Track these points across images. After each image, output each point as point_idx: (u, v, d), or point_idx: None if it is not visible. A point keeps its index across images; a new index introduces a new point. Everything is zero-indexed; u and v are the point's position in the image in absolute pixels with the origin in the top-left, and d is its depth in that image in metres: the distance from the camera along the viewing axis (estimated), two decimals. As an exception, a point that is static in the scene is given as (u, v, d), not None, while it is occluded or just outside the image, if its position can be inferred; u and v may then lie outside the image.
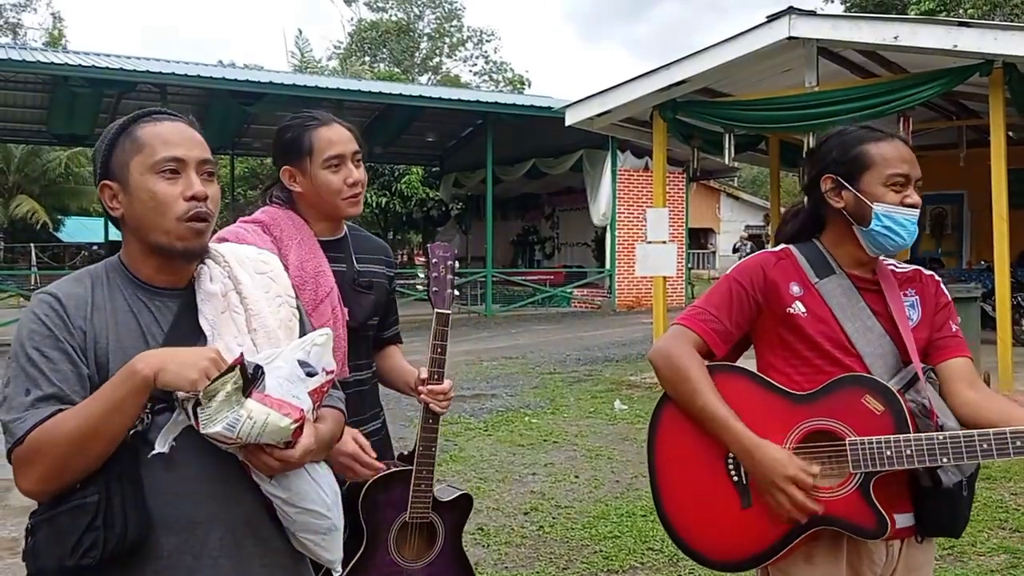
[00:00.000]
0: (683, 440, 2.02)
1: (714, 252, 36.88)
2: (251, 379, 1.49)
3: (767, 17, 8.68)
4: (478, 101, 19.56)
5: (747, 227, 37.17)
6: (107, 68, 15.42)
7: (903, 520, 1.93)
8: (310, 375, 1.58)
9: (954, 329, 2.04)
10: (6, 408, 1.50)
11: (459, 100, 18.97)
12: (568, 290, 20.38)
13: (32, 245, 30.71)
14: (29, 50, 19.15)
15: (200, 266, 1.68)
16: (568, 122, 10.78)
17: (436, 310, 2.32)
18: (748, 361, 2.11)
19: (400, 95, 18.38)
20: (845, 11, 28.06)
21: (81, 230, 35.04)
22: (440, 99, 18.63)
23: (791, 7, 8.46)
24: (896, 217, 1.94)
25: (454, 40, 49.18)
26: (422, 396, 2.31)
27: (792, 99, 9.01)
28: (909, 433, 1.83)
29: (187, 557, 1.55)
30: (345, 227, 2.43)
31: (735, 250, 27.53)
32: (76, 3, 68.73)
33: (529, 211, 24.37)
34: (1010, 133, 10.48)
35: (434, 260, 2.34)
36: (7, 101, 18.27)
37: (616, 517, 5.01)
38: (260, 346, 1.61)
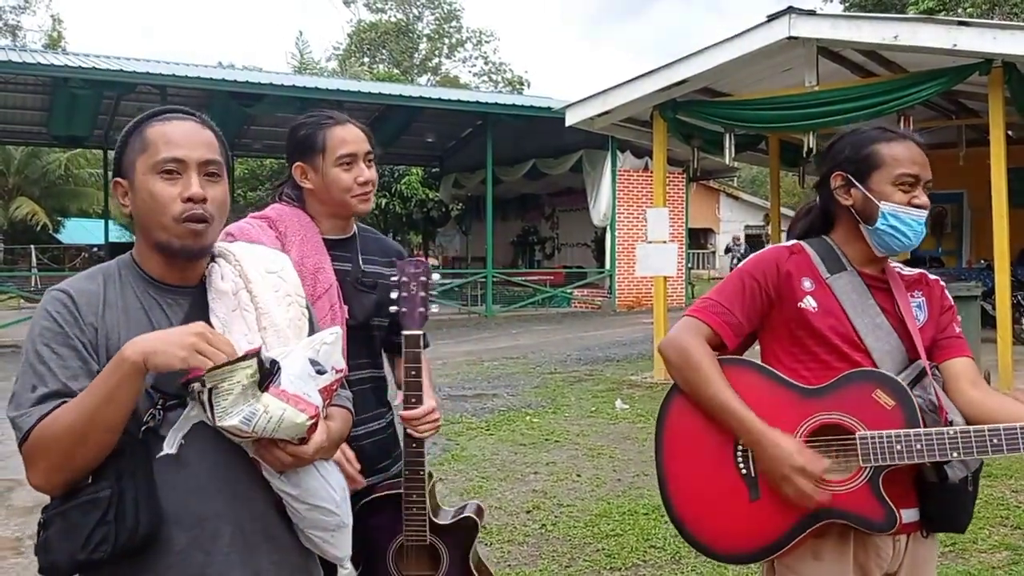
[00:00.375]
0: (691, 432, 2.03)
1: (714, 252, 36.88)
2: (268, 373, 1.50)
3: (767, 17, 8.69)
4: (477, 102, 19.60)
5: (747, 227, 37.22)
6: (107, 70, 15.45)
7: (909, 515, 1.94)
8: (320, 373, 1.59)
9: (957, 331, 2.07)
10: (14, 405, 1.51)
11: (458, 101, 19.00)
12: (568, 290, 20.41)
13: (32, 247, 30.74)
14: (29, 52, 19.17)
15: (211, 264, 1.69)
16: (568, 122, 10.80)
17: (404, 332, 2.21)
18: (751, 355, 2.13)
19: (400, 96, 18.41)
20: (845, 10, 28.10)
21: (81, 232, 35.07)
22: (439, 100, 18.66)
23: (791, 7, 8.47)
24: (903, 217, 1.96)
25: (453, 41, 49.24)
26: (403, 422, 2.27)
27: (792, 99, 9.03)
28: (919, 428, 1.84)
29: (198, 553, 1.56)
30: (355, 227, 2.44)
31: (727, 251, 27.52)
32: (75, 5, 68.82)
33: (529, 211, 24.40)
34: (1009, 132, 10.50)
35: (404, 278, 2.21)
36: (7, 103, 18.29)
37: (618, 515, 5.02)
38: (270, 344, 1.61)
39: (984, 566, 4.15)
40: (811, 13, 8.58)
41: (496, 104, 19.58)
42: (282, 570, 1.67)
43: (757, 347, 2.18)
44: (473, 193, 23.68)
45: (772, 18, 8.63)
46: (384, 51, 46.91)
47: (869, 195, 1.98)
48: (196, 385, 1.48)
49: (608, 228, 19.55)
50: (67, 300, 1.58)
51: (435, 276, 2.26)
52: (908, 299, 2.02)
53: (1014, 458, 5.85)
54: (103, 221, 25.83)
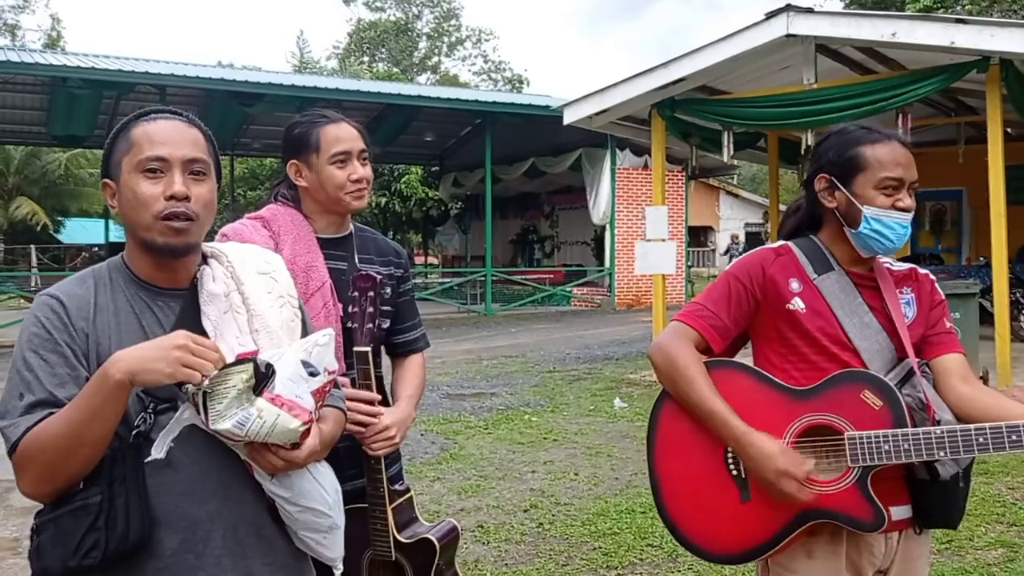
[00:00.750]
0: (682, 434, 2.04)
1: (714, 250, 36.88)
2: (263, 377, 1.50)
3: (765, 14, 8.69)
4: (477, 100, 19.59)
5: (746, 225, 37.21)
6: (106, 69, 15.45)
7: (900, 512, 1.95)
8: (312, 375, 1.59)
9: (948, 326, 2.06)
10: (2, 413, 1.51)
11: (458, 99, 19.00)
12: (568, 289, 20.41)
13: (32, 247, 30.75)
14: (28, 52, 19.17)
15: (203, 266, 1.68)
16: (566, 121, 10.80)
17: (354, 348, 2.17)
18: (745, 357, 2.13)
19: (399, 95, 18.41)
20: (844, 7, 28.09)
21: (81, 231, 35.09)
22: (439, 99, 18.66)
23: (789, 4, 8.46)
24: (885, 220, 1.95)
25: (452, 39, 49.25)
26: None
27: (790, 96, 9.03)
28: (907, 428, 1.85)
29: (189, 556, 1.56)
30: (351, 226, 2.44)
31: (726, 252, 27.45)
32: (74, 5, 68.82)
33: (528, 210, 24.41)
34: (1008, 129, 10.50)
35: (355, 292, 2.18)
36: (6, 103, 18.30)
37: (616, 514, 5.03)
38: (262, 346, 1.61)
39: (980, 563, 4.15)
40: (809, 11, 8.57)
41: (495, 103, 19.57)
42: (275, 572, 1.67)
43: (750, 348, 2.18)
44: (472, 192, 23.69)
45: (770, 16, 8.63)
46: (384, 50, 46.91)
47: (852, 199, 1.98)
48: (190, 387, 1.48)
49: (608, 226, 19.55)
50: (57, 305, 1.57)
51: (387, 290, 2.23)
52: (897, 296, 2.02)
53: (1010, 455, 5.86)
54: (103, 221, 25.85)
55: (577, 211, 21.34)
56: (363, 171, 2.33)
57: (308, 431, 1.56)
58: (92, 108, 17.71)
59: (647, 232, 10.32)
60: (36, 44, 37.69)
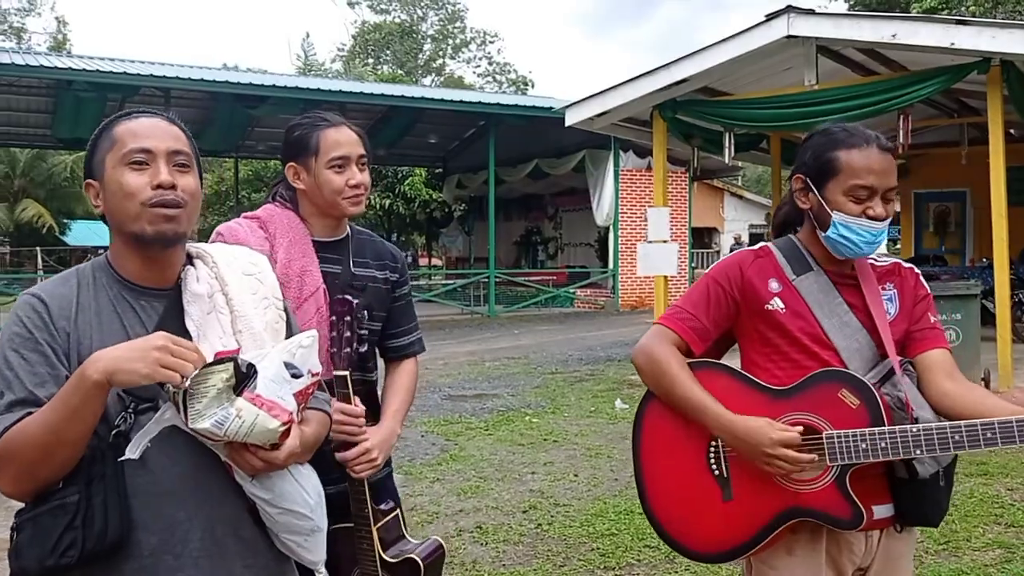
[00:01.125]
0: (666, 435, 2.06)
1: (718, 251, 36.84)
2: (244, 377, 1.50)
3: (766, 16, 8.70)
4: (480, 102, 19.62)
5: (751, 226, 37.15)
6: (111, 72, 15.51)
7: (882, 511, 1.96)
8: (295, 377, 1.59)
9: (932, 321, 2.06)
10: None
11: (461, 102, 19.02)
12: (571, 290, 20.41)
13: (38, 249, 30.88)
14: (33, 54, 19.26)
15: (187, 267, 1.69)
16: (568, 122, 10.81)
17: (333, 372, 2.17)
18: (733, 359, 2.14)
19: (402, 97, 18.43)
20: (849, 9, 28.07)
21: (87, 233, 35.22)
22: (442, 100, 18.68)
23: (789, 5, 8.47)
24: (853, 227, 1.94)
25: (457, 42, 49.29)
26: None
27: (792, 97, 9.04)
28: (884, 426, 1.86)
29: (167, 557, 1.56)
30: (348, 229, 2.44)
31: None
32: (80, 8, 69.04)
33: (532, 212, 24.43)
34: (1011, 130, 10.50)
35: (333, 317, 2.19)
36: (12, 105, 18.37)
37: (614, 515, 5.04)
38: (246, 348, 1.62)
39: (976, 564, 4.15)
40: (810, 12, 8.58)
41: (498, 105, 19.60)
42: (256, 574, 1.67)
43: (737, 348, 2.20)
44: (476, 193, 23.71)
45: (771, 17, 8.64)
46: (388, 52, 46.98)
47: (823, 202, 1.98)
48: (171, 386, 1.48)
49: (611, 228, 19.56)
50: (38, 304, 1.58)
51: (364, 314, 2.24)
52: (879, 293, 2.03)
53: (1011, 456, 5.85)
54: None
55: (581, 213, 21.34)
56: (361, 177, 2.33)
57: (288, 432, 1.56)
58: (97, 111, 17.74)
59: (649, 233, 10.34)
60: (42, 47, 37.85)
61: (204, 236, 2.35)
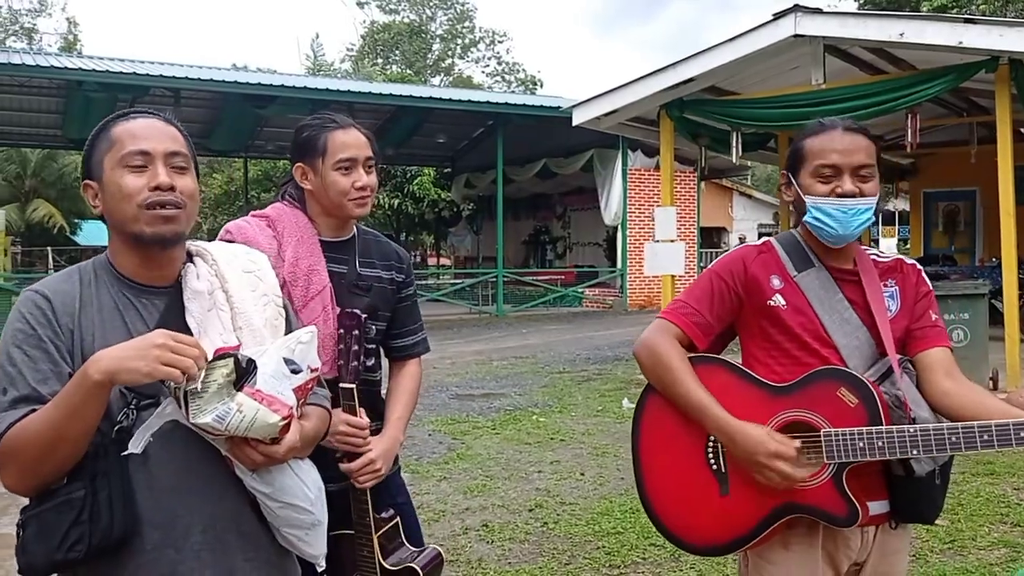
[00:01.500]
0: (665, 430, 2.08)
1: (727, 251, 36.78)
2: (244, 372, 1.52)
3: (773, 15, 8.68)
4: (488, 102, 19.64)
5: (760, 225, 37.05)
6: (121, 73, 15.61)
7: (877, 507, 1.98)
8: (295, 372, 1.61)
9: (934, 319, 2.07)
10: None
11: (469, 101, 19.04)
12: (579, 290, 20.41)
13: (49, 249, 31.03)
14: (44, 55, 19.38)
15: (187, 264, 1.71)
16: (575, 122, 10.82)
17: (340, 384, 2.19)
18: (734, 353, 2.16)
19: (411, 97, 18.47)
20: (859, 7, 27.98)
21: (98, 233, 35.33)
22: (450, 100, 18.71)
23: (796, 4, 8.46)
24: (824, 208, 1.98)
25: (466, 41, 49.29)
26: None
27: (799, 96, 9.03)
28: (882, 425, 1.87)
29: (169, 551, 1.58)
30: (355, 229, 2.46)
31: None
32: (90, 8, 69.38)
33: (540, 211, 24.44)
34: (1021, 129, 10.45)
35: (341, 330, 2.22)
36: (23, 106, 18.49)
37: (620, 513, 5.05)
38: (245, 344, 1.64)
39: (982, 563, 4.15)
40: (817, 11, 8.56)
41: (506, 104, 19.62)
42: (257, 568, 1.68)
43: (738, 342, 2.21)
44: (484, 193, 23.74)
45: (778, 16, 8.62)
46: (397, 52, 47.03)
47: (799, 190, 2.03)
48: (172, 383, 1.50)
49: (619, 227, 19.56)
50: (42, 301, 1.60)
51: (371, 328, 2.26)
52: (880, 291, 2.04)
53: (1018, 456, 5.84)
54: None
55: (589, 212, 21.34)
56: (367, 179, 2.34)
57: (288, 426, 1.58)
58: (107, 111, 17.58)
59: (656, 233, 10.34)
60: (53, 47, 38.04)
61: (212, 236, 2.37)
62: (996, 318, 8.85)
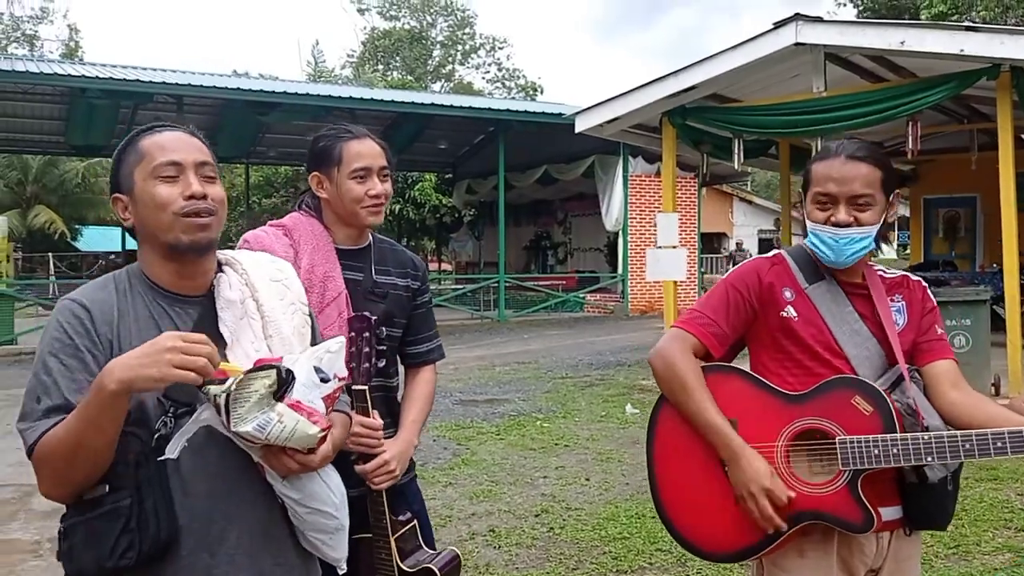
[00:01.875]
0: (681, 436, 2.11)
1: (728, 256, 36.85)
2: (284, 383, 1.55)
3: (774, 23, 8.73)
4: (490, 109, 19.71)
5: (760, 231, 37.10)
6: (124, 80, 15.65)
7: (891, 513, 2.01)
8: (324, 381, 1.64)
9: (939, 332, 2.12)
10: (21, 416, 1.57)
11: (471, 108, 19.14)
12: (581, 295, 20.45)
13: (50, 255, 31.06)
14: (47, 62, 19.44)
15: (219, 274, 1.75)
16: (578, 129, 10.87)
17: (352, 387, 2.19)
18: (742, 360, 2.20)
19: (412, 103, 18.54)
20: (858, 14, 28.10)
21: (98, 239, 35.42)
22: (452, 107, 18.82)
23: (797, 13, 8.52)
24: (820, 234, 2.04)
25: (467, 48, 49.39)
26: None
27: (800, 104, 9.08)
28: (896, 433, 1.91)
29: (204, 555, 1.62)
30: (370, 237, 2.51)
31: (731, 260, 27.23)
32: (91, 15, 69.52)
33: (542, 217, 24.49)
34: (1022, 135, 10.49)
35: (352, 333, 2.23)
36: (27, 113, 18.55)
37: (626, 519, 5.09)
38: (275, 352, 1.68)
39: (986, 568, 4.18)
40: (817, 20, 8.62)
41: (508, 111, 19.68)
42: (286, 571, 1.73)
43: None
44: (486, 199, 23.81)
45: (779, 25, 8.68)
46: (398, 58, 47.14)
47: (805, 212, 2.09)
48: (212, 389, 1.53)
49: (620, 233, 19.61)
50: (81, 311, 1.62)
51: (382, 330, 2.27)
52: (888, 304, 2.08)
53: (1021, 462, 5.87)
54: (120, 229, 26.04)
55: (590, 218, 21.41)
56: (382, 187, 2.40)
57: (325, 437, 1.63)
58: (110, 118, 17.94)
59: (658, 239, 10.38)
60: (54, 54, 38.11)
61: (226, 243, 2.41)
62: (997, 324, 8.89)
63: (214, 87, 16.94)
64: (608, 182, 19.39)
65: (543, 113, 19.27)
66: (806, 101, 8.95)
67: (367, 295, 2.43)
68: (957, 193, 14.96)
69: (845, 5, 30.48)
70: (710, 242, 34.38)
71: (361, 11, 51.18)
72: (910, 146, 8.76)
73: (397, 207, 25.51)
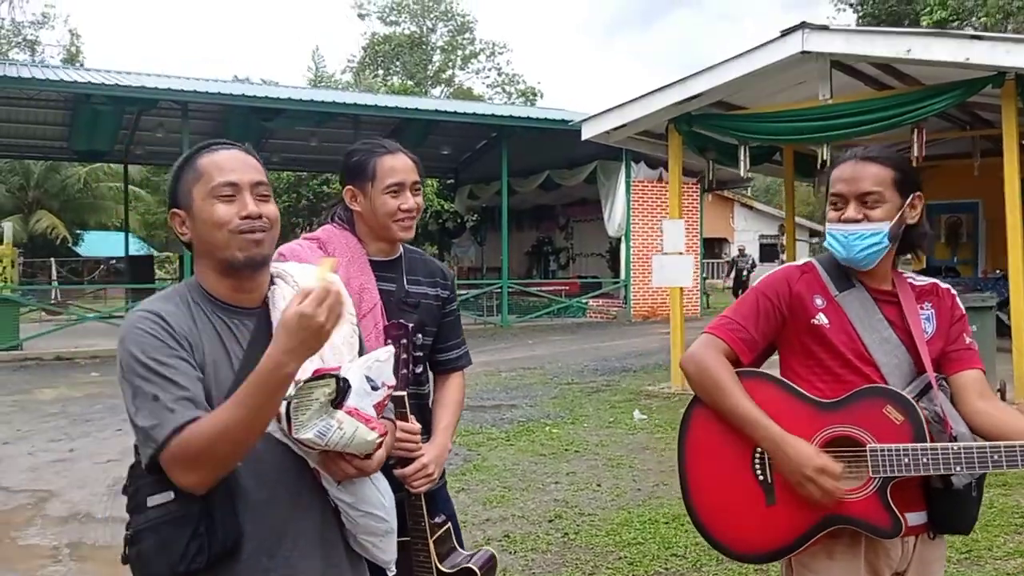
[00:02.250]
0: (711, 440, 2.17)
1: (728, 261, 36.93)
2: (343, 391, 1.62)
3: (780, 32, 8.80)
4: (493, 115, 19.77)
5: (761, 236, 37.18)
6: (129, 86, 15.71)
7: (916, 518, 2.06)
8: (374, 389, 1.72)
9: (967, 341, 2.16)
10: (142, 416, 1.60)
11: (474, 114, 19.18)
12: (583, 300, 20.51)
13: (52, 260, 31.10)
14: (53, 69, 19.50)
15: (272, 286, 1.81)
16: (585, 136, 10.94)
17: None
18: (771, 366, 2.25)
19: (416, 109, 18.60)
20: (858, 20, 28.19)
21: (100, 244, 35.48)
22: (456, 113, 18.85)
23: (804, 22, 8.58)
24: (832, 232, 2.13)
25: (467, 53, 49.52)
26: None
27: (806, 112, 9.13)
28: (926, 442, 1.96)
29: (262, 558, 1.69)
30: (401, 249, 2.57)
31: (730, 270, 27.17)
32: (92, 19, 69.64)
33: (544, 222, 24.55)
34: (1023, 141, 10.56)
35: (388, 340, 2.27)
36: (29, 118, 18.61)
37: (639, 524, 5.13)
38: (327, 361, 1.73)
39: (999, 573, 4.24)
40: (824, 28, 8.68)
41: (511, 117, 19.76)
42: (337, 573, 1.80)
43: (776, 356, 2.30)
44: (488, 204, 23.86)
45: (785, 33, 8.74)
46: (398, 63, 47.26)
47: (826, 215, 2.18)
48: None
49: (623, 238, 19.67)
50: (157, 319, 1.68)
51: (418, 337, 2.32)
52: (917, 312, 2.14)
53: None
54: (122, 234, 26.13)
55: (592, 223, 21.46)
56: (413, 201, 2.46)
57: (382, 443, 1.70)
58: (114, 123, 18.00)
59: (664, 245, 10.44)
60: (55, 59, 38.17)
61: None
62: (1001, 330, 8.94)
63: (219, 93, 17.02)
64: (610, 188, 19.46)
65: (547, 119, 19.34)
66: (812, 108, 9.01)
67: (400, 305, 2.49)
68: (959, 199, 15.00)
69: (844, 10, 30.62)
70: (711, 247, 34.47)
71: (361, 16, 51.34)
72: (916, 153, 8.80)
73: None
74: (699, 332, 2.29)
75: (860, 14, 29.36)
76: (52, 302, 22.02)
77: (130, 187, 26.43)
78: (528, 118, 19.96)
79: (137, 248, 30.92)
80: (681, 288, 10.36)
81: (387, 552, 1.88)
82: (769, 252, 36.36)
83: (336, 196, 2.80)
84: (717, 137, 10.35)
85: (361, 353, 1.87)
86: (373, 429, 1.65)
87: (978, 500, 2.07)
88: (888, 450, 1.97)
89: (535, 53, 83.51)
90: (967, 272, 14.96)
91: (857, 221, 2.06)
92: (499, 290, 19.22)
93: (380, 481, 1.85)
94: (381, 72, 46.64)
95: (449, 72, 49.45)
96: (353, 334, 1.87)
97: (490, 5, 74.99)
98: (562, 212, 23.69)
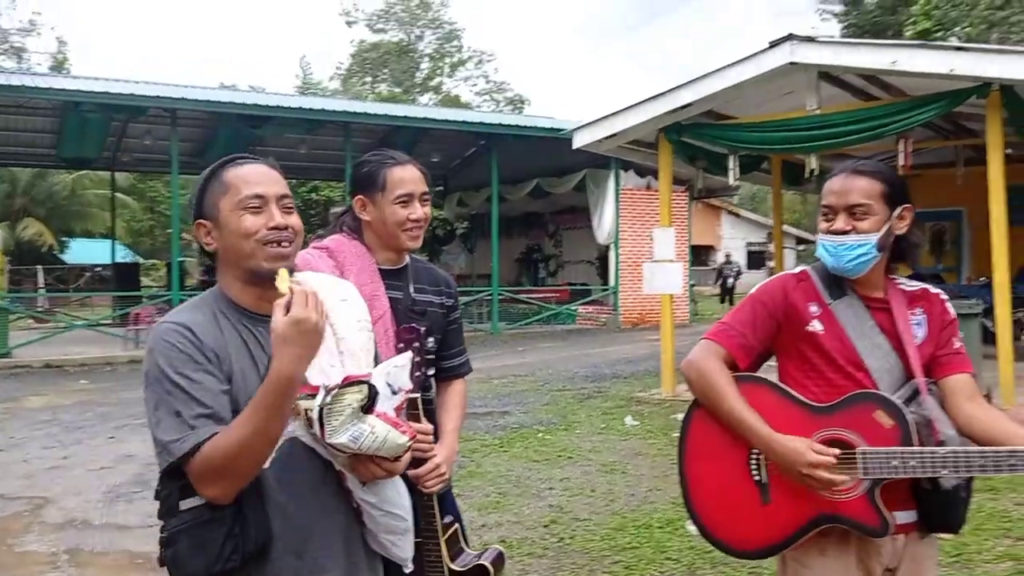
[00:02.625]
0: (710, 442, 2.26)
1: (715, 269, 37.11)
2: (372, 398, 1.69)
3: (769, 43, 8.92)
4: (482, 123, 19.86)
5: (748, 243, 37.39)
6: (119, 94, 15.71)
7: (906, 517, 2.16)
8: (393, 394, 1.80)
9: (957, 346, 2.25)
10: (163, 429, 1.66)
11: (464, 122, 19.30)
12: (573, 307, 20.59)
13: (39, 267, 30.95)
14: (42, 76, 19.47)
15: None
16: (575, 145, 11.02)
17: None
18: (769, 371, 2.33)
19: (406, 117, 18.69)
20: (842, 31, 28.47)
21: (86, 252, 35.34)
22: (445, 121, 18.97)
23: (791, 34, 8.70)
24: (822, 243, 2.22)
25: (454, 60, 49.63)
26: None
27: (794, 121, 9.25)
28: (914, 446, 2.05)
29: (291, 558, 1.76)
30: (408, 258, 2.64)
31: (718, 278, 27.34)
32: (78, 26, 69.40)
33: (533, 230, 24.64)
34: (1009, 150, 10.72)
35: (401, 344, 2.33)
36: (17, 126, 18.55)
37: (634, 529, 5.20)
38: (348, 368, 1.79)
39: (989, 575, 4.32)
40: (811, 40, 8.80)
41: (500, 124, 19.83)
42: (358, 571, 1.88)
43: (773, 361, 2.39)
44: (478, 211, 23.93)
45: (773, 44, 8.85)
46: (386, 71, 47.31)
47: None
48: (302, 403, 1.66)
49: (612, 246, 19.78)
50: (186, 331, 1.73)
51: (429, 340, 2.38)
52: (908, 318, 2.22)
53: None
54: (108, 241, 26.06)
55: (581, 231, 21.57)
56: (422, 211, 2.54)
57: (411, 446, 1.78)
58: (102, 130, 18.00)
59: (654, 253, 10.52)
60: (42, 66, 38.04)
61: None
62: (986, 338, 9.06)
63: (208, 101, 17.03)
64: (599, 196, 19.58)
65: (536, 127, 19.44)
66: (800, 118, 9.12)
67: (407, 312, 2.55)
68: (943, 207, 15.17)
69: (829, 20, 30.94)
70: (698, 255, 34.62)
71: (349, 23, 51.40)
72: (901, 162, 8.93)
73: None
74: (688, 339, 2.38)
75: (844, 24, 29.67)
76: (40, 309, 21.91)
77: (116, 194, 26.35)
78: (517, 126, 20.05)
79: (122, 255, 30.83)
80: (671, 295, 10.45)
81: (405, 550, 1.97)
82: (757, 259, 36.60)
83: (326, 203, 2.87)
84: (707, 146, 10.46)
85: (376, 359, 1.94)
86: (404, 432, 1.73)
87: (967, 500, 2.15)
88: (878, 453, 2.06)
89: (522, 61, 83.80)
90: (951, 279, 15.12)
91: (845, 232, 2.14)
92: (489, 297, 19.29)
93: (399, 482, 1.93)
94: (369, 79, 46.69)
95: (437, 80, 49.55)
96: (370, 340, 1.94)
97: (477, 13, 75.27)
98: (551, 220, 23.79)
